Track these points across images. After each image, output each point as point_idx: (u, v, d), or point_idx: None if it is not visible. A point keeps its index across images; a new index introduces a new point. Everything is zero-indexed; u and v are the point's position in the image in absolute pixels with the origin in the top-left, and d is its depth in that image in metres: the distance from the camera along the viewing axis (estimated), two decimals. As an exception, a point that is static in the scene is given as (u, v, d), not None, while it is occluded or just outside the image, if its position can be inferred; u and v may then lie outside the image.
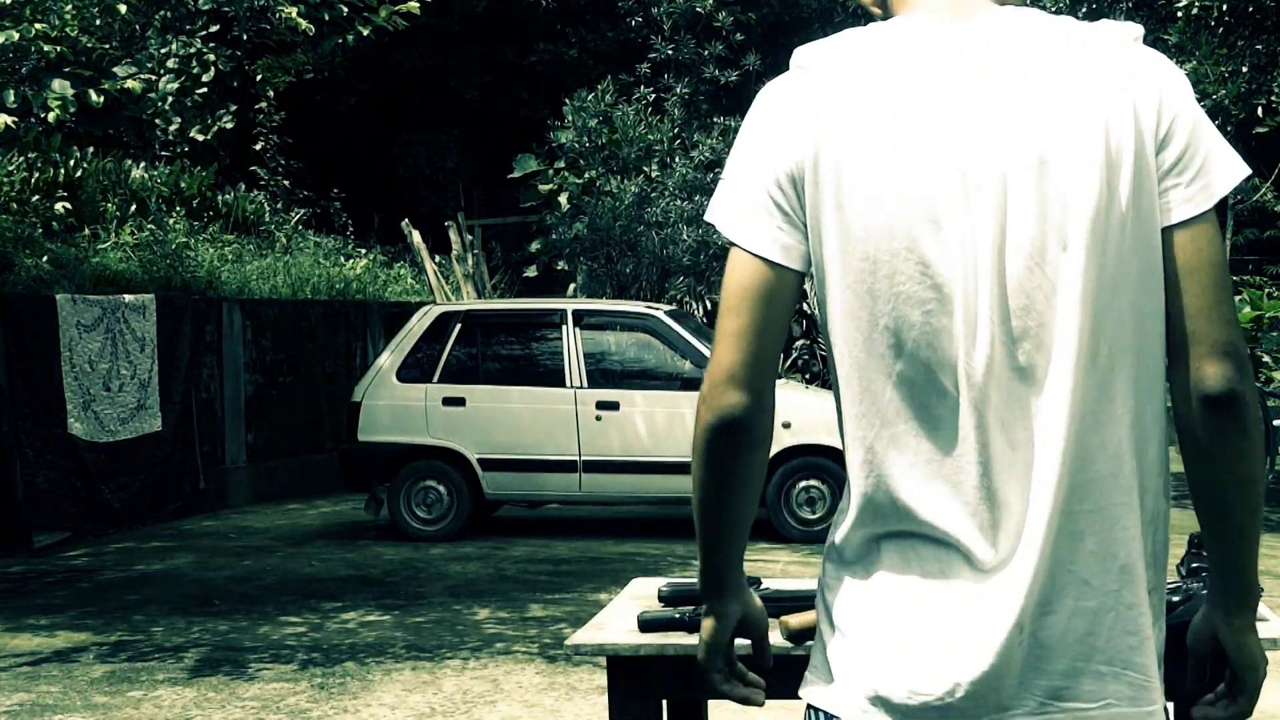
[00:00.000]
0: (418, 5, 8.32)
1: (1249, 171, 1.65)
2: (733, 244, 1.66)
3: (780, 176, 1.64)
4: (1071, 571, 1.60)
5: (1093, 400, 1.59)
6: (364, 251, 16.65)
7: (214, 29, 8.59)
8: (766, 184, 1.64)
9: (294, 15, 7.73)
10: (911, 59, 1.62)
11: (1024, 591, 1.57)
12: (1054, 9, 12.82)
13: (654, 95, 16.13)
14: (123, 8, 7.36)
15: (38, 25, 7.00)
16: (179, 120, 8.33)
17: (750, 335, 1.65)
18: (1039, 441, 1.59)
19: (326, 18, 8.21)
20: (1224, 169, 1.61)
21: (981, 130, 1.58)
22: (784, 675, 2.88)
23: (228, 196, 15.07)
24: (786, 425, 9.77)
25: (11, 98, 6.89)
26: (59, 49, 7.12)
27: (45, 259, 10.94)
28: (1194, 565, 2.95)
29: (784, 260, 1.64)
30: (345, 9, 8.30)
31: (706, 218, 1.72)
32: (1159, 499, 1.84)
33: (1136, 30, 1.66)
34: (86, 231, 12.17)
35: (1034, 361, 1.58)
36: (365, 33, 8.38)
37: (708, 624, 1.82)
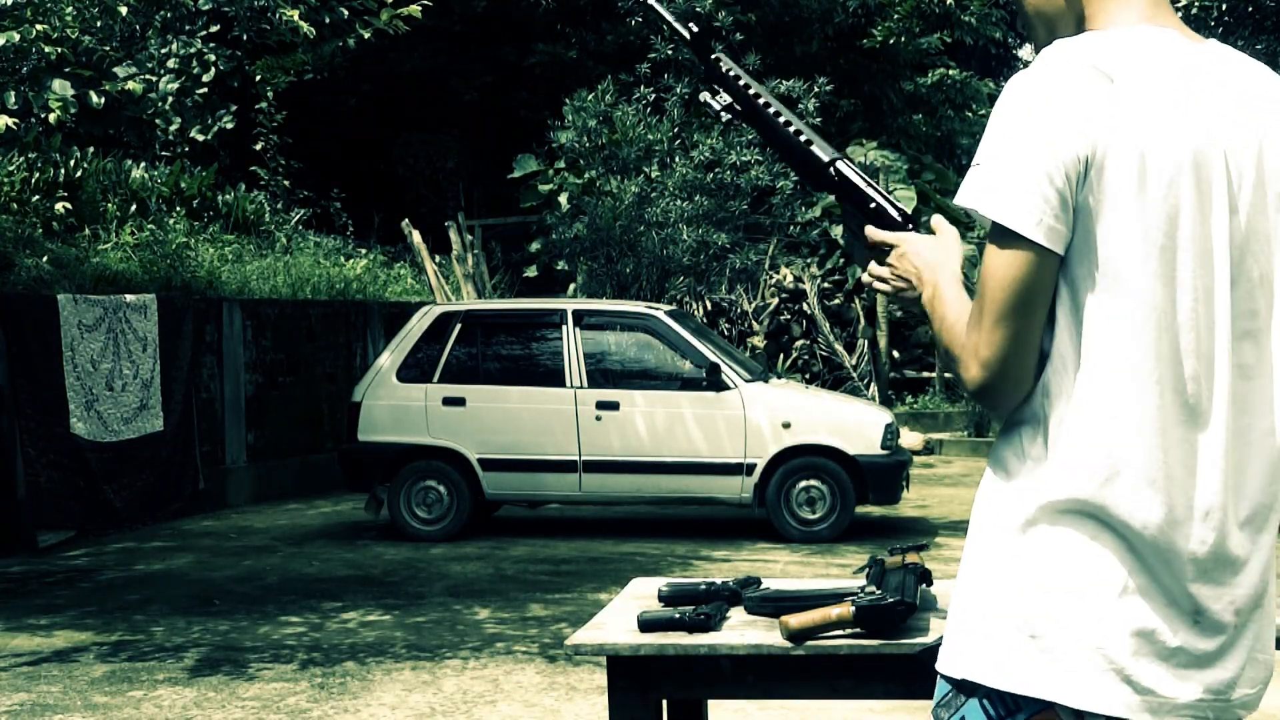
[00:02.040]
0: (419, 8, 8.33)
1: None
2: (1011, 233, 1.67)
3: (1067, 165, 1.66)
4: None
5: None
6: (364, 251, 16.65)
7: (214, 29, 8.59)
8: (1052, 173, 1.66)
9: (294, 17, 7.74)
10: (1191, 72, 1.74)
11: None
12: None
13: (654, 95, 16.13)
14: (123, 9, 7.36)
15: (38, 26, 7.01)
16: (179, 120, 8.33)
17: (1018, 336, 1.71)
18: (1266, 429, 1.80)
19: (328, 20, 8.22)
20: None
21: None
22: (786, 675, 2.89)
23: (228, 196, 15.08)
24: (786, 425, 9.77)
25: (12, 99, 6.89)
26: (59, 50, 7.13)
27: (45, 259, 10.94)
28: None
29: (1059, 252, 1.70)
30: (346, 12, 8.30)
31: (972, 204, 1.71)
32: None
33: None
34: (86, 231, 12.17)
35: (1248, 360, 1.78)
36: (366, 35, 8.39)
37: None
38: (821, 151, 2.18)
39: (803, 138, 2.22)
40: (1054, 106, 1.67)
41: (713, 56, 2.39)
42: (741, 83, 2.36)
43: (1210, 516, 1.73)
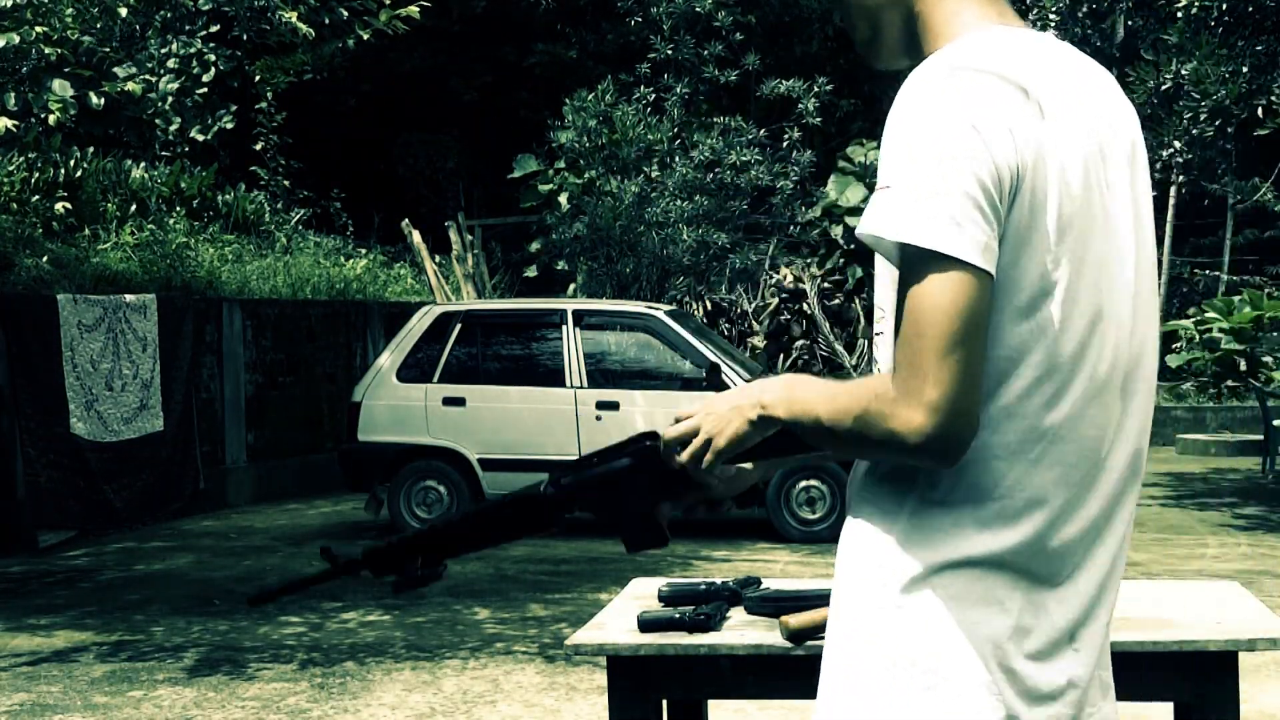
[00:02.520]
0: (417, 9, 8.32)
1: None
2: (941, 260, 1.50)
3: (996, 182, 1.52)
4: None
5: None
6: (364, 251, 16.65)
7: (214, 29, 8.58)
8: (982, 191, 1.52)
9: (293, 19, 7.74)
10: (1075, 76, 1.66)
11: None
12: (1054, 9, 12.82)
13: (654, 95, 16.13)
14: (123, 10, 7.36)
15: (38, 28, 7.01)
16: (179, 120, 8.33)
17: (974, 362, 1.52)
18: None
19: (327, 21, 8.21)
20: None
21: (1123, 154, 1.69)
22: (786, 675, 2.89)
23: (228, 196, 15.08)
24: (786, 425, 9.76)
25: (12, 100, 6.89)
26: (59, 51, 7.12)
27: (45, 259, 10.94)
28: None
29: (993, 275, 1.53)
30: (345, 13, 8.30)
31: (897, 234, 1.52)
32: None
33: None
34: (86, 231, 12.17)
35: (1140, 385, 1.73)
36: (365, 36, 8.38)
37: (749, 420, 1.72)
38: (529, 489, 1.98)
39: (507, 497, 2.00)
40: (977, 123, 1.52)
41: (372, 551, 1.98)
42: (416, 539, 1.99)
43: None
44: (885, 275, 1.54)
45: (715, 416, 1.75)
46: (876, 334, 1.59)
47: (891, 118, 1.57)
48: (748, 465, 1.86)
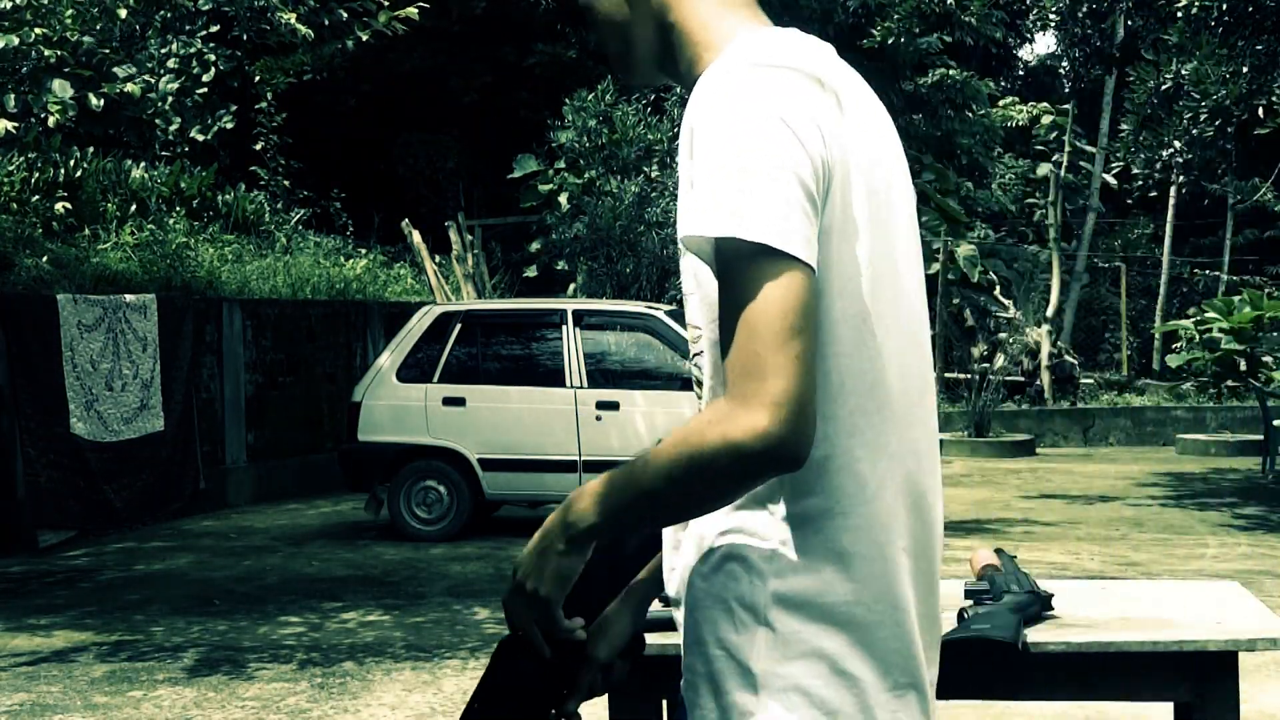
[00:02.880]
0: (416, 11, 8.32)
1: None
2: (774, 255, 1.44)
3: (813, 178, 1.49)
4: None
5: None
6: (364, 251, 16.65)
7: (214, 29, 8.59)
8: (801, 187, 1.47)
9: (292, 20, 7.74)
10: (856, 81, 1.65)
11: None
12: (1054, 9, 12.81)
13: (654, 95, 16.13)
14: (123, 12, 7.36)
15: (37, 30, 7.01)
16: (179, 120, 8.33)
17: (813, 358, 1.46)
18: None
19: (327, 22, 8.22)
20: None
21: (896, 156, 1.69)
22: (784, 675, 2.89)
23: (228, 196, 15.07)
24: (786, 425, 9.76)
25: (12, 101, 6.89)
26: (59, 52, 7.12)
27: (45, 259, 10.94)
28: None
29: (814, 266, 1.48)
30: (345, 14, 8.30)
31: (720, 230, 1.45)
32: None
33: None
34: (86, 231, 12.17)
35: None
36: (364, 38, 8.38)
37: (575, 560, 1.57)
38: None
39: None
40: (788, 117, 1.48)
41: None
42: None
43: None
44: (697, 291, 1.49)
45: (525, 567, 1.58)
46: (694, 355, 1.47)
47: (696, 118, 1.53)
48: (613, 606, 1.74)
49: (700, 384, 1.64)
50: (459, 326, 10.21)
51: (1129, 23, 18.16)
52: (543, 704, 1.69)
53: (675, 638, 2.82)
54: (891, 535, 1.68)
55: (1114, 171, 24.26)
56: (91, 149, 13.26)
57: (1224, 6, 10.50)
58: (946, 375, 17.82)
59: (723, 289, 1.47)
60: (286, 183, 17.05)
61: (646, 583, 1.81)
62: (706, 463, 1.44)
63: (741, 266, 1.45)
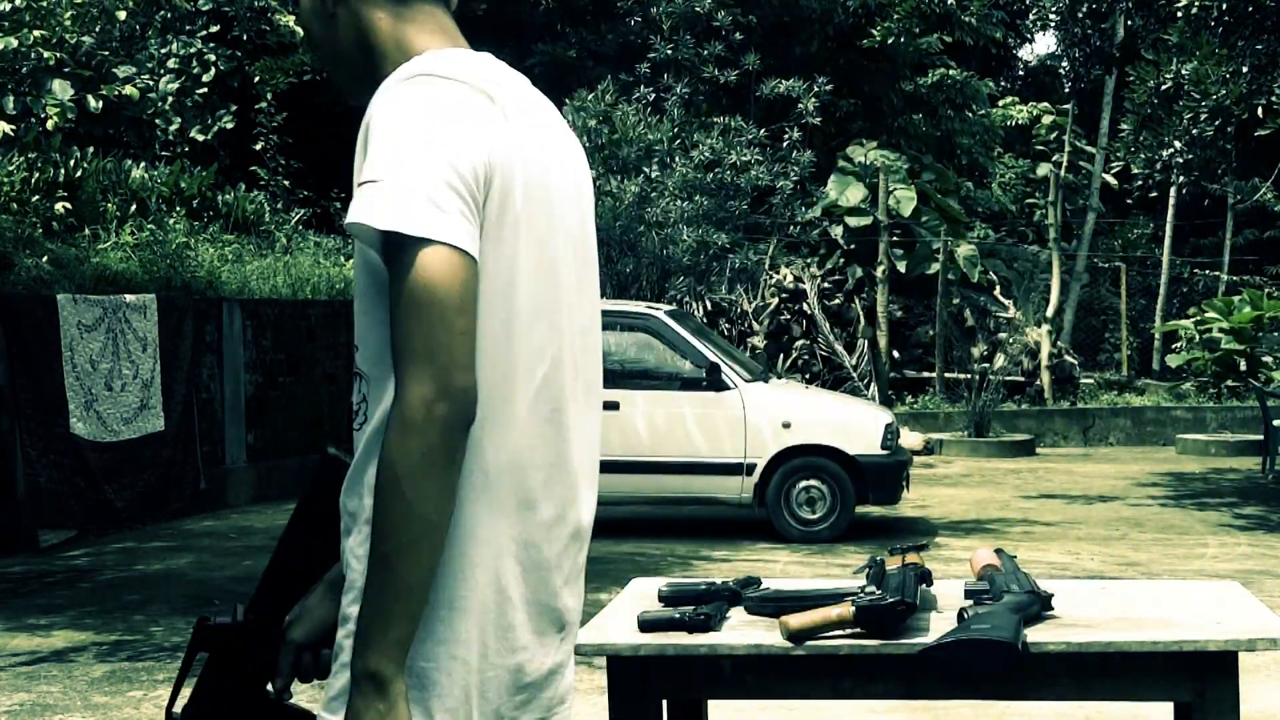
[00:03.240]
0: None
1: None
2: (438, 244, 1.59)
3: (474, 179, 1.64)
4: None
5: None
6: (364, 251, 16.61)
7: (214, 29, 8.58)
8: (458, 184, 1.63)
9: (290, 23, 7.75)
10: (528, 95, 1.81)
11: None
12: (1054, 9, 12.81)
13: (654, 95, 16.14)
14: (122, 14, 7.36)
15: (36, 32, 7.01)
16: (179, 120, 8.33)
17: (474, 335, 1.63)
18: None
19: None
20: None
21: (573, 167, 1.84)
22: (786, 675, 2.89)
23: (228, 196, 15.07)
24: (786, 425, 9.77)
25: (11, 104, 6.89)
26: (58, 54, 7.13)
27: (45, 259, 10.94)
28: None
29: (475, 256, 1.64)
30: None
31: (384, 224, 1.59)
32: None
33: None
34: (86, 231, 12.17)
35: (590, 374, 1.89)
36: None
37: (407, 715, 1.62)
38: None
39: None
40: (452, 122, 1.64)
41: None
42: None
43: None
44: (368, 279, 1.56)
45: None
46: (355, 375, 1.44)
47: (368, 121, 1.67)
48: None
49: (360, 376, 1.79)
50: (459, 326, 10.21)
51: (1129, 23, 18.16)
52: (254, 685, 1.88)
53: (675, 638, 2.82)
54: (499, 521, 1.75)
55: (1114, 171, 24.27)
56: (91, 149, 13.25)
57: (1224, 6, 10.50)
58: (946, 375, 17.82)
59: (391, 278, 1.61)
60: (286, 183, 17.05)
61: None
62: (407, 462, 1.57)
63: (408, 257, 1.59)
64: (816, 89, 17.18)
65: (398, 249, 1.60)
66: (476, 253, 1.62)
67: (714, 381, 9.84)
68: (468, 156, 1.63)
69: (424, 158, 1.61)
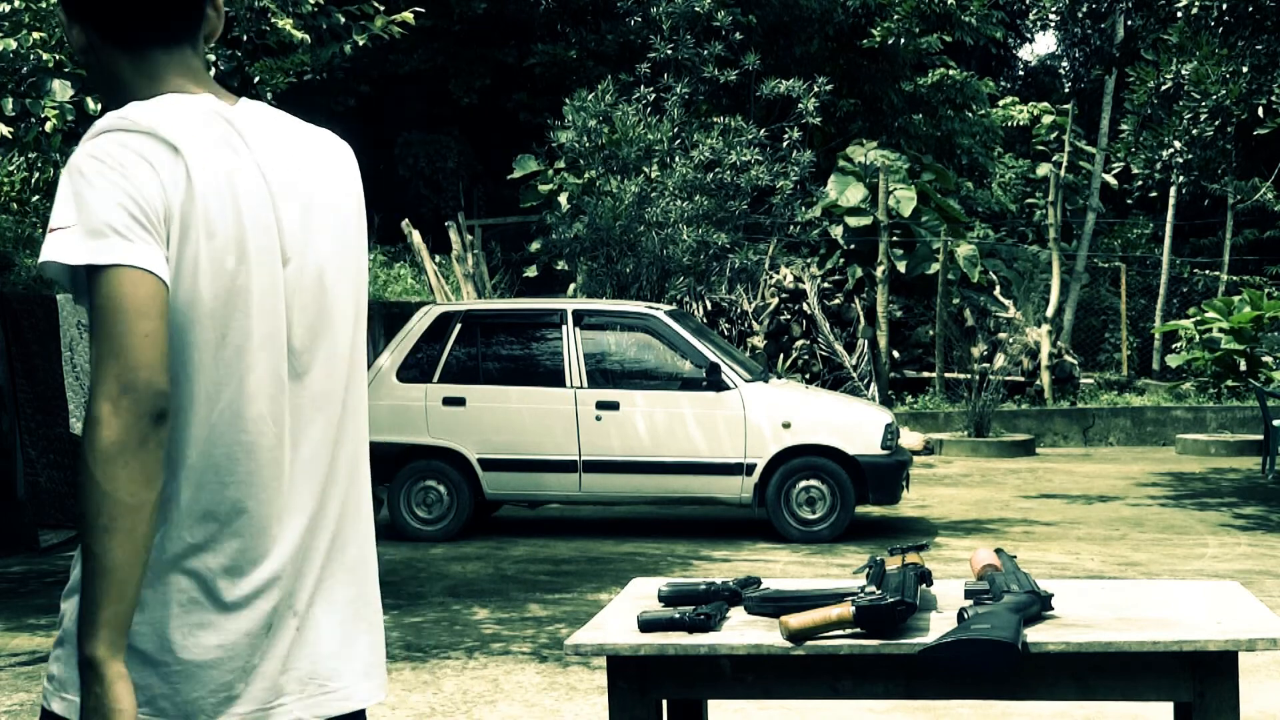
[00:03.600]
0: (412, 15, 8.32)
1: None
2: (121, 266, 1.78)
3: (152, 212, 1.83)
4: None
5: None
6: (364, 252, 16.62)
7: (214, 29, 8.59)
8: (139, 215, 1.82)
9: (288, 27, 7.73)
10: (225, 129, 1.96)
11: None
12: (1054, 9, 12.81)
13: (654, 95, 16.13)
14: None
15: (35, 34, 7.00)
16: (179, 120, 8.31)
17: (163, 339, 1.79)
18: None
19: (325, 25, 8.20)
20: None
21: (279, 191, 1.98)
22: (786, 675, 2.89)
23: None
24: (786, 425, 9.77)
25: (9, 106, 6.88)
26: (57, 56, 7.11)
27: (45, 259, 10.94)
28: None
29: (167, 279, 1.83)
30: (342, 18, 8.29)
31: (77, 260, 1.78)
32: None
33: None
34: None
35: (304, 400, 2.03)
36: (361, 41, 8.38)
37: (125, 695, 1.73)
38: None
39: None
40: (129, 168, 1.83)
41: None
42: None
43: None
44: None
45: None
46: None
47: (68, 163, 1.88)
48: None
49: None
50: (459, 326, 10.21)
51: (1129, 23, 18.17)
52: None
53: (675, 638, 2.82)
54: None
55: (1114, 171, 24.26)
56: (91, 149, 13.25)
57: (1224, 6, 10.50)
58: (946, 375, 17.82)
59: (89, 305, 1.80)
60: (286, 183, 17.02)
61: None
62: (108, 472, 1.72)
63: (96, 283, 1.78)
64: (816, 89, 17.18)
65: (86, 279, 1.80)
66: (161, 270, 1.81)
67: (714, 381, 9.84)
68: (144, 196, 1.83)
69: (102, 200, 1.81)
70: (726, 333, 16.99)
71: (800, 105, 17.04)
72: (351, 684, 2.01)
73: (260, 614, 1.90)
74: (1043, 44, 51.78)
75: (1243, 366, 17.23)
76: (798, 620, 2.79)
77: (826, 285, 18.23)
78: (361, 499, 2.06)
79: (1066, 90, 30.90)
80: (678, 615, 2.88)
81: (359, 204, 2.11)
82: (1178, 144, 11.39)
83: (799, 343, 17.45)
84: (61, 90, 7.08)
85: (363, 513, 2.06)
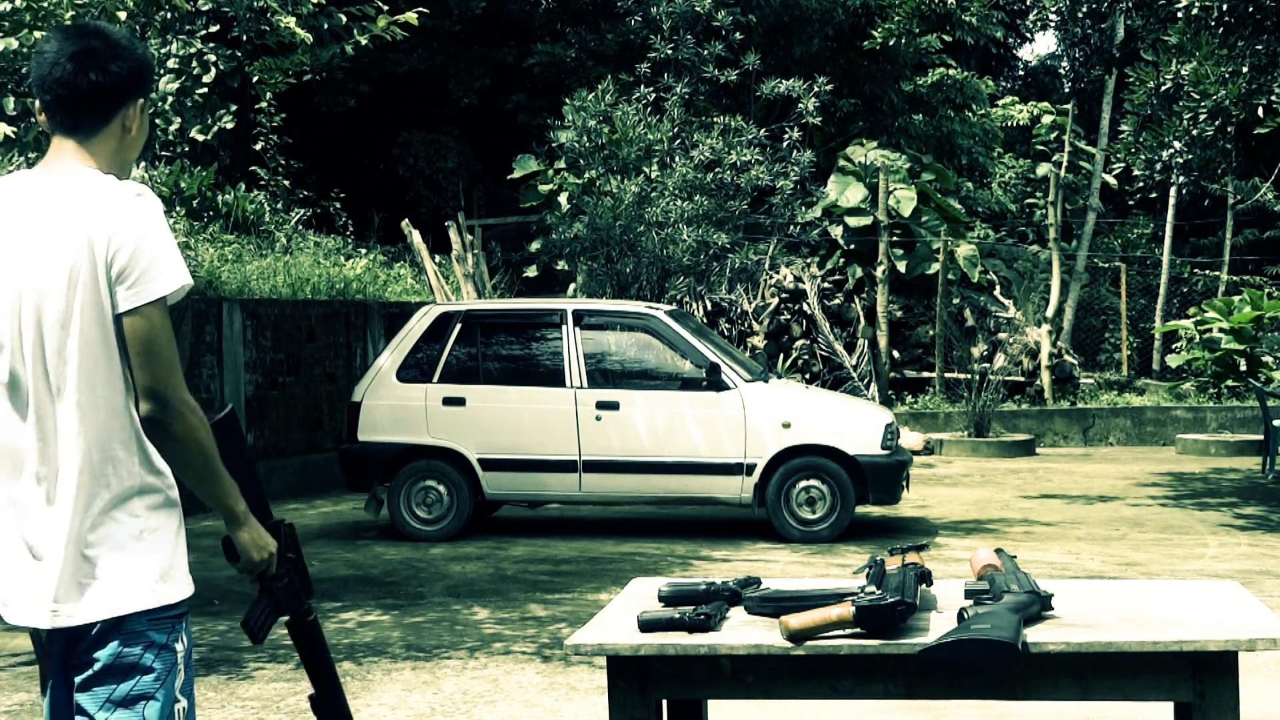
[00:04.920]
0: (415, 16, 8.31)
1: (185, 281, 2.66)
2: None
3: None
4: None
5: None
6: (364, 251, 16.65)
7: (214, 29, 8.58)
8: None
9: (290, 25, 7.73)
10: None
11: None
12: (1054, 9, 12.81)
13: (654, 95, 16.13)
14: (122, 14, 7.35)
15: (37, 34, 7.00)
16: (179, 120, 8.32)
17: None
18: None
19: (326, 26, 8.20)
20: (163, 276, 2.62)
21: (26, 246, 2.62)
22: (786, 675, 2.89)
23: (228, 196, 15.08)
24: (786, 425, 9.77)
25: (10, 105, 6.88)
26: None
27: (45, 259, 10.93)
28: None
29: None
30: (344, 18, 8.29)
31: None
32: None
33: (137, 189, 2.65)
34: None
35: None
36: (363, 42, 8.37)
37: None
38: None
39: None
40: None
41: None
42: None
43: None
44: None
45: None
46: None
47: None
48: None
49: None
50: (459, 326, 10.21)
51: (1129, 23, 18.16)
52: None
53: (675, 638, 2.82)
54: None
55: (1114, 171, 24.25)
56: (91, 149, 13.24)
57: (1224, 7, 10.50)
58: (946, 375, 17.82)
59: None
60: (286, 183, 17.05)
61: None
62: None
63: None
64: (816, 89, 17.18)
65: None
66: None
67: (714, 381, 9.84)
68: None
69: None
70: (726, 333, 16.99)
71: (800, 105, 17.05)
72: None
73: None
74: (1043, 44, 51.77)
75: (1243, 366, 17.24)
76: (798, 620, 2.79)
77: (826, 285, 18.23)
78: None
79: (1066, 90, 30.91)
80: (678, 615, 2.88)
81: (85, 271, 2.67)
82: (1178, 144, 11.39)
83: (799, 343, 17.45)
84: (61, 89, 7.08)
85: None
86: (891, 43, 13.20)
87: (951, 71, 22.40)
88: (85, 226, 2.58)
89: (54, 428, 2.61)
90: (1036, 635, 2.81)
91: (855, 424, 9.91)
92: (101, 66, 2.67)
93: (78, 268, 2.57)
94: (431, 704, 5.65)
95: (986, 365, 17.49)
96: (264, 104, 15.78)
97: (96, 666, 2.64)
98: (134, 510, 2.70)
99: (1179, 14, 10.93)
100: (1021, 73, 32.90)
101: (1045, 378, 17.77)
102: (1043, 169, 24.12)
